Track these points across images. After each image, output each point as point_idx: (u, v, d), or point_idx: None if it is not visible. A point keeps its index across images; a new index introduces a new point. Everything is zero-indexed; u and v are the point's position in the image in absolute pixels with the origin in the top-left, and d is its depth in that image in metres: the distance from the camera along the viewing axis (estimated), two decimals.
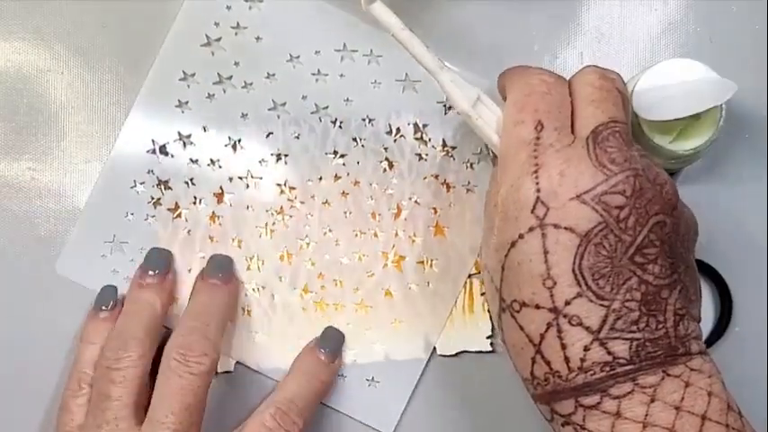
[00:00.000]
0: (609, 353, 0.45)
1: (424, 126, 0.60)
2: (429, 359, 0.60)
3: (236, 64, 0.59)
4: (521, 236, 0.46)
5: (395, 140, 0.60)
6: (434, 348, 0.60)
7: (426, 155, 0.60)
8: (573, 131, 0.48)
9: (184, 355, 0.53)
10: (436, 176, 0.60)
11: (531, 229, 0.46)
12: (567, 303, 0.45)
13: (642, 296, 0.45)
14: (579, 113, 0.49)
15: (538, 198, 0.46)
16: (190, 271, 0.60)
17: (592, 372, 0.45)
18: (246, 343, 0.60)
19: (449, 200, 0.60)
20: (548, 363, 0.46)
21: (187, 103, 0.59)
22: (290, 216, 0.60)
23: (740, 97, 0.54)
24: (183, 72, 0.59)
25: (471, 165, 0.60)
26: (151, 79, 0.59)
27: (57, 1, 0.59)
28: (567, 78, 0.51)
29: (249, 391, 0.59)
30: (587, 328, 0.45)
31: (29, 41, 0.60)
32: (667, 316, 0.46)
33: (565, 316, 0.45)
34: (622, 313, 0.45)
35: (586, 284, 0.45)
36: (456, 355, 0.60)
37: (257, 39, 0.60)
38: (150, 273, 0.58)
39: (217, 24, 0.59)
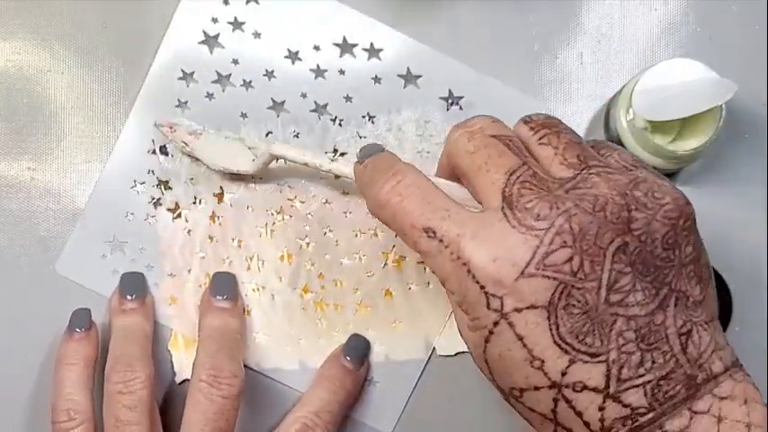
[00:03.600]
0: (625, 405, 0.42)
1: (426, 122, 0.59)
2: (429, 359, 0.60)
3: (235, 62, 0.59)
4: (490, 332, 0.43)
5: (396, 138, 0.60)
6: (434, 349, 0.60)
7: (428, 152, 0.59)
8: (482, 203, 0.45)
9: (216, 376, 0.53)
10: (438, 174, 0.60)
11: (495, 324, 0.43)
12: (564, 374, 0.42)
13: (636, 334, 0.42)
14: (475, 185, 0.46)
15: (486, 293, 0.43)
16: (189, 271, 0.60)
17: (615, 429, 0.42)
18: (246, 343, 0.60)
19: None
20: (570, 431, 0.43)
21: (186, 102, 0.59)
22: (290, 216, 0.60)
23: (740, 97, 0.54)
24: (182, 71, 0.59)
25: None
26: (151, 78, 0.59)
27: (57, 1, 0.59)
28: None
29: (249, 391, 0.59)
30: (594, 389, 0.42)
31: (29, 41, 0.59)
32: (671, 342, 0.42)
33: (567, 386, 0.42)
34: (623, 360, 0.42)
35: (574, 349, 0.42)
36: (455, 355, 0.60)
37: (255, 34, 0.59)
38: (128, 297, 0.58)
39: (215, 20, 0.59)
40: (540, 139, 0.47)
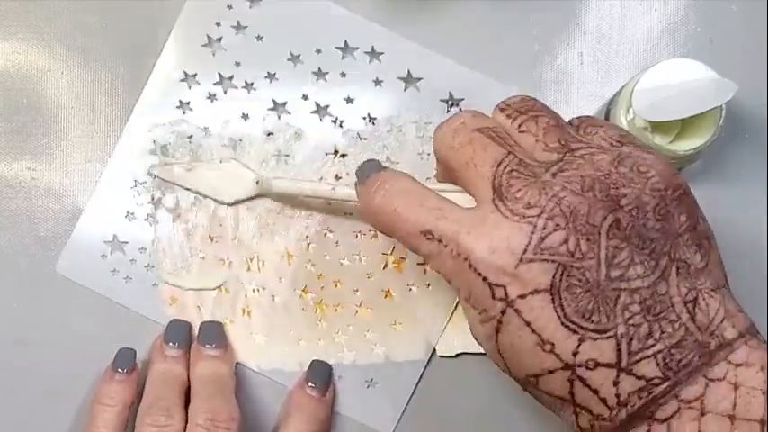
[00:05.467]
0: (639, 377, 0.42)
1: (426, 124, 0.59)
2: (429, 360, 0.60)
3: (237, 64, 0.60)
4: (499, 321, 0.44)
5: (396, 140, 0.60)
6: (434, 350, 0.60)
7: (428, 154, 0.59)
8: (474, 198, 0.46)
9: (213, 420, 0.53)
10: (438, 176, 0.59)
11: (503, 312, 0.43)
12: (575, 354, 0.43)
13: (641, 306, 0.42)
14: (466, 181, 0.47)
15: (489, 284, 0.43)
16: (189, 271, 0.60)
17: (631, 403, 0.42)
18: (246, 344, 0.60)
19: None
20: (588, 410, 0.43)
21: (188, 103, 0.59)
22: (291, 216, 0.60)
23: (740, 97, 0.54)
24: (185, 72, 0.59)
25: None
26: (153, 79, 0.59)
27: (57, 1, 0.59)
28: None
29: (248, 391, 0.59)
30: (607, 365, 0.42)
31: (29, 41, 0.60)
32: (678, 311, 0.43)
33: (580, 365, 0.43)
34: (632, 333, 0.42)
35: (582, 327, 0.42)
36: (456, 356, 0.60)
37: (258, 38, 0.60)
38: (171, 345, 0.58)
39: (218, 24, 0.59)
40: (519, 126, 0.47)
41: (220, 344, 0.58)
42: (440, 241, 0.45)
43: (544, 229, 0.43)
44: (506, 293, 0.43)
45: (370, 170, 0.51)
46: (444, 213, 0.46)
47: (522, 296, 0.43)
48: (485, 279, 0.43)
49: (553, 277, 0.43)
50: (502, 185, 0.44)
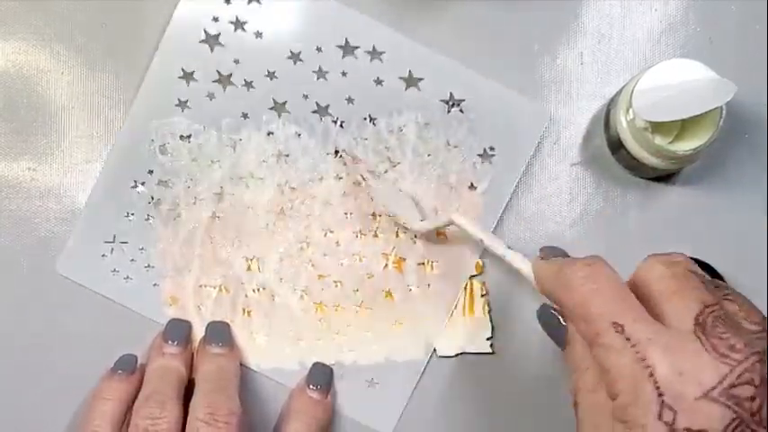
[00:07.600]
0: None
1: (427, 125, 0.59)
2: (429, 360, 0.60)
3: (236, 62, 0.59)
4: None
5: (397, 140, 0.60)
6: (434, 350, 0.60)
7: (429, 155, 0.59)
8: (670, 323, 0.45)
9: (212, 414, 0.53)
10: (438, 176, 0.59)
11: None
12: None
13: None
14: (666, 308, 0.45)
15: (662, 403, 0.42)
16: (190, 271, 0.60)
17: None
18: (247, 344, 0.60)
19: (451, 200, 0.60)
20: None
21: (187, 102, 0.59)
22: (291, 217, 0.60)
23: (740, 97, 0.54)
24: (183, 70, 0.59)
25: (474, 164, 0.59)
26: (150, 77, 0.59)
27: (57, 1, 0.59)
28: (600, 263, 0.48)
29: (249, 391, 0.60)
30: None
31: (29, 41, 0.59)
32: None
33: None
34: None
35: None
36: (456, 356, 0.60)
37: (257, 34, 0.59)
38: (170, 343, 0.58)
39: (216, 19, 0.59)
40: (725, 295, 0.47)
41: (226, 343, 0.59)
42: (628, 339, 0.44)
43: (739, 377, 0.42)
44: (674, 420, 0.42)
45: (557, 252, 0.51)
46: (643, 318, 0.45)
47: (688, 429, 0.42)
48: (660, 395, 0.42)
49: (726, 426, 0.41)
50: (707, 323, 0.44)
